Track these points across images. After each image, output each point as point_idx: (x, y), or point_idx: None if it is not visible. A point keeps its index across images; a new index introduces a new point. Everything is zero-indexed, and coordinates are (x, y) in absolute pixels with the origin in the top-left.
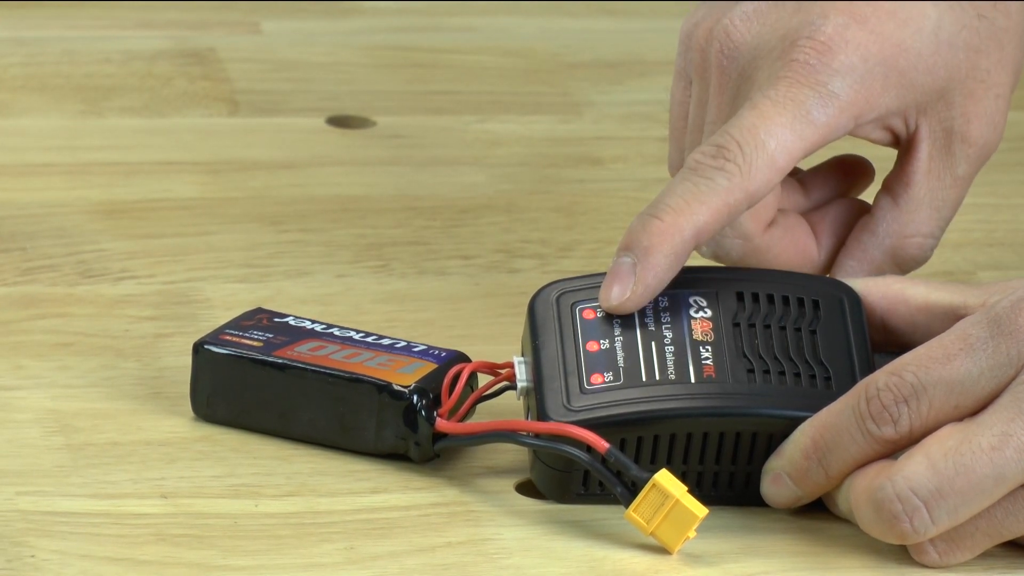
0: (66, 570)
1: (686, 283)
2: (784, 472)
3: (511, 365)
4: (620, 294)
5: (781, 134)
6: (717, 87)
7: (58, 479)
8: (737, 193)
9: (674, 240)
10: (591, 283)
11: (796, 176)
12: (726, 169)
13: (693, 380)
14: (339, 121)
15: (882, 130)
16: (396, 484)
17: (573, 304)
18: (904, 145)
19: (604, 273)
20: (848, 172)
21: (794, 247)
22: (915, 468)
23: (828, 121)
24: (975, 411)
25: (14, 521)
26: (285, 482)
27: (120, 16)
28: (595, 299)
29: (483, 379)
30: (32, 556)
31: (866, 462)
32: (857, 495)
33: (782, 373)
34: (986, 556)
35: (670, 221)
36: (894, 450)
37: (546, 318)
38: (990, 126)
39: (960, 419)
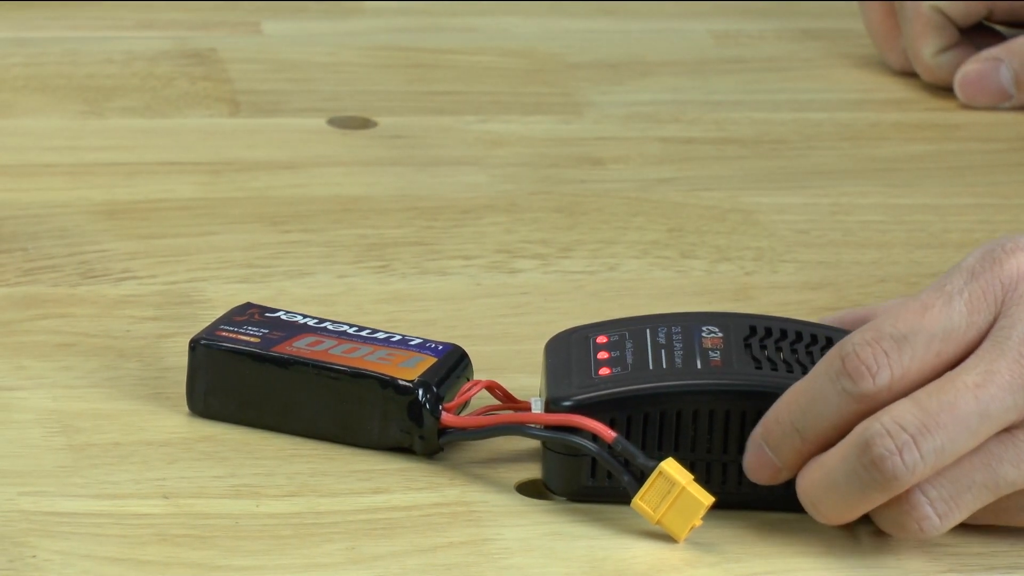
0: (68, 570)
1: (698, 319)
2: (762, 440)
3: (528, 405)
4: None
5: None
6: None
7: (60, 479)
8: None
9: None
10: (608, 324)
11: None
12: None
13: (700, 367)
14: (340, 121)
15: None
16: (398, 484)
17: (587, 336)
18: None
19: (620, 320)
20: None
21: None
22: (901, 406)
23: None
24: (957, 361)
25: (16, 521)
26: (286, 482)
27: (121, 17)
28: (608, 330)
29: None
30: (34, 556)
31: (842, 424)
32: (837, 450)
33: (790, 371)
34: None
35: None
36: (872, 408)
37: (560, 349)
38: None
39: (943, 370)
